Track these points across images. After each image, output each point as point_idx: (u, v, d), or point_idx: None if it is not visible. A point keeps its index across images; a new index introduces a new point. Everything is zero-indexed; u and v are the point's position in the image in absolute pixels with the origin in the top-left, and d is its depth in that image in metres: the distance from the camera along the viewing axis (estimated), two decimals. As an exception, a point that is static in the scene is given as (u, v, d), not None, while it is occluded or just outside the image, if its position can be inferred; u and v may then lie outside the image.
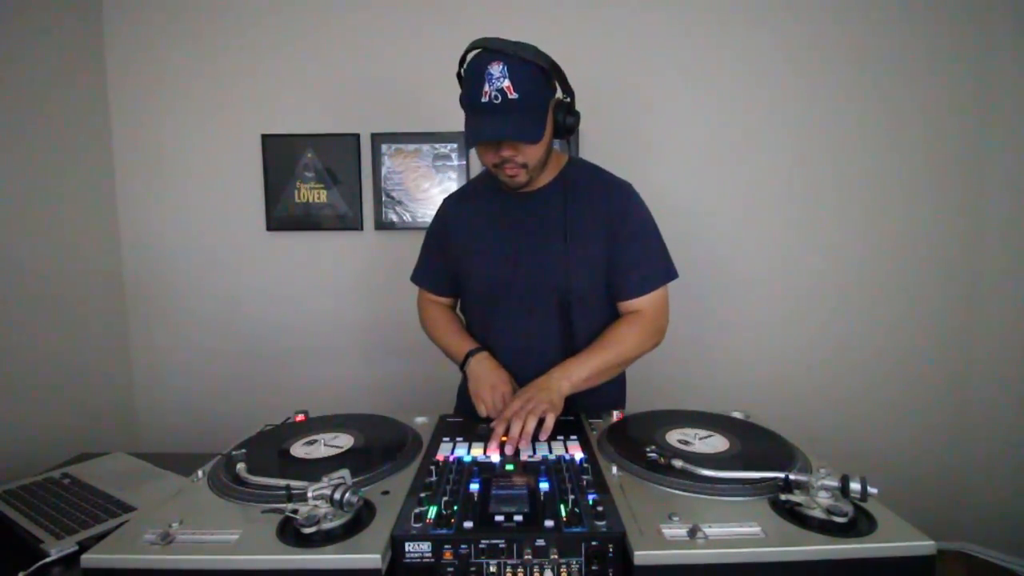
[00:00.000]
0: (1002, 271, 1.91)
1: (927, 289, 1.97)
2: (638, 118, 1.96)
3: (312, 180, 1.98)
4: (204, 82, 1.97)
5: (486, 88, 0.94)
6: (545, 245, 1.10)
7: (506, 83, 0.93)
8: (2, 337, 1.55)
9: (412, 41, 1.94)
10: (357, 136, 1.96)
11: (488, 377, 1.06)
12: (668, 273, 1.14)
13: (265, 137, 1.97)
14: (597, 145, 1.96)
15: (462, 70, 1.02)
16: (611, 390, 1.19)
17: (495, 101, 0.94)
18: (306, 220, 2.00)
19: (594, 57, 1.94)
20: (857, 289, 1.99)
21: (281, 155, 1.97)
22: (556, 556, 0.62)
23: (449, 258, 1.21)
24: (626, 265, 1.11)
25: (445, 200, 1.26)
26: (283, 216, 2.00)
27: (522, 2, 1.92)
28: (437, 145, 1.96)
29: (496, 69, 0.93)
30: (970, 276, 1.95)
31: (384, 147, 1.97)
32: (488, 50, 0.95)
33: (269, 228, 2.01)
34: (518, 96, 0.94)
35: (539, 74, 0.97)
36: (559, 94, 1.05)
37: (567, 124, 1.05)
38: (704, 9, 1.92)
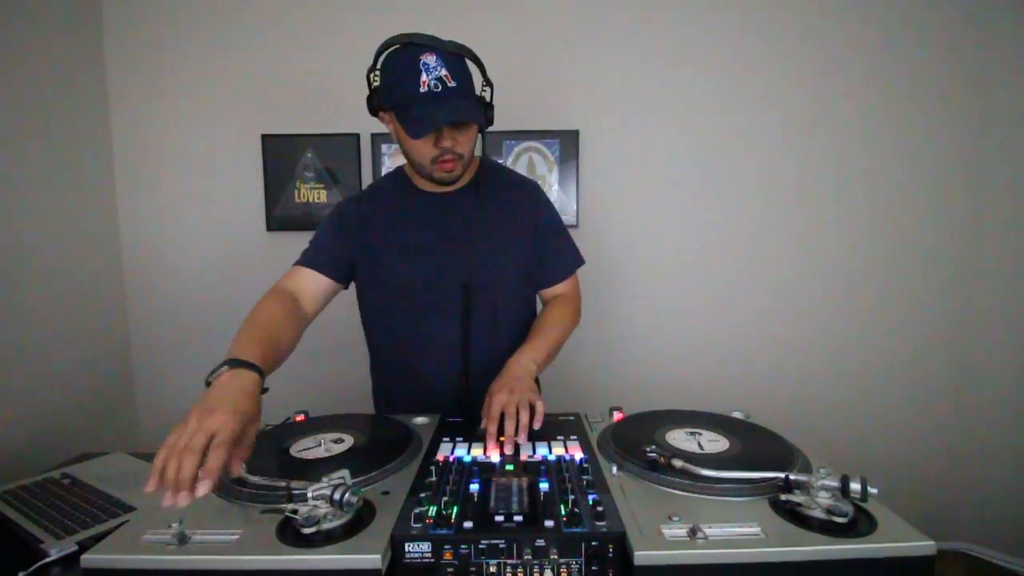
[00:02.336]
0: (1002, 271, 1.91)
1: (927, 289, 1.97)
2: (637, 119, 1.96)
3: (312, 180, 1.98)
4: (204, 82, 1.97)
5: (424, 78, 0.93)
6: (464, 244, 1.12)
7: (443, 72, 0.94)
8: (2, 337, 1.55)
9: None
10: (357, 136, 1.96)
11: (222, 397, 0.72)
12: (579, 259, 1.25)
13: (265, 137, 1.97)
14: (597, 145, 1.97)
15: (377, 70, 1.02)
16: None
17: (435, 90, 0.93)
18: (306, 220, 2.00)
19: (594, 57, 1.94)
20: (857, 289, 1.99)
21: (281, 155, 1.97)
22: (556, 556, 0.62)
23: (353, 252, 1.15)
24: (549, 257, 1.20)
25: (344, 203, 1.19)
26: (283, 216, 2.00)
27: (520, 3, 1.92)
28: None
29: (431, 59, 0.94)
30: (970, 276, 1.95)
31: (384, 147, 1.97)
32: (416, 44, 0.96)
33: (269, 228, 2.01)
34: (457, 84, 0.95)
35: (466, 66, 0.99)
36: (478, 89, 1.06)
37: (488, 117, 1.07)
38: (704, 10, 1.92)
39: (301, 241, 1.99)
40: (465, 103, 0.97)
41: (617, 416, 1.00)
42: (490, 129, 1.99)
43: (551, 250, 1.20)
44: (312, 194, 1.99)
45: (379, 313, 1.19)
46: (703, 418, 0.95)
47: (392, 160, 1.97)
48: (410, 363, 1.16)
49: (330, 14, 1.94)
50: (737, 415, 0.98)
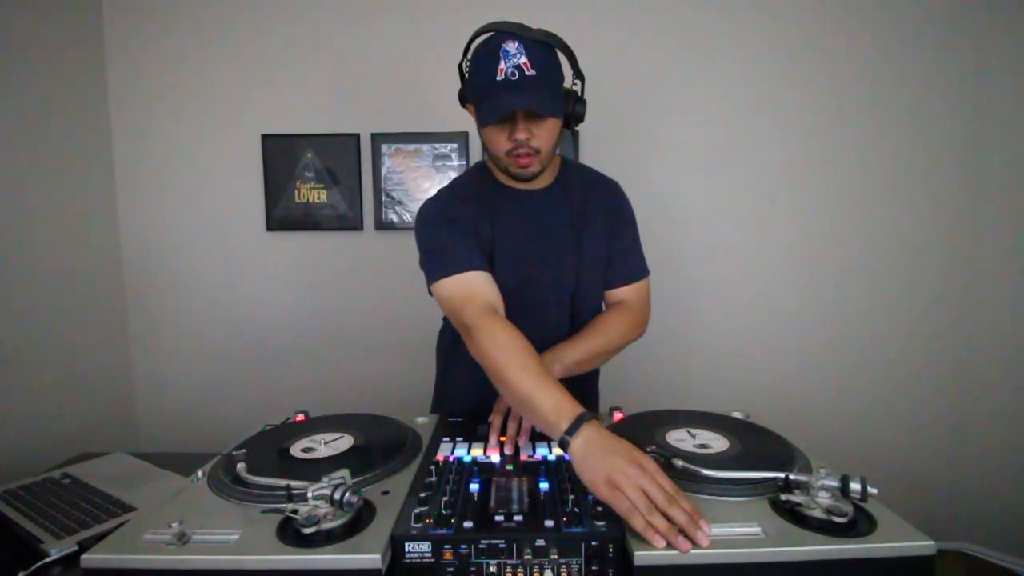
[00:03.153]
0: (1001, 270, 1.91)
1: (926, 289, 1.97)
2: (636, 119, 1.96)
3: (312, 180, 1.98)
4: (204, 82, 1.97)
5: (502, 65, 0.90)
6: (555, 249, 1.08)
7: (523, 59, 0.90)
8: (2, 337, 1.55)
9: (412, 41, 1.94)
10: (357, 136, 1.97)
11: (619, 463, 0.68)
12: (646, 268, 1.20)
13: (265, 137, 1.97)
14: (596, 146, 1.97)
15: (466, 59, 0.98)
16: (585, 389, 1.18)
17: (512, 78, 0.90)
18: (306, 220, 2.00)
19: (593, 58, 1.94)
20: (857, 289, 1.99)
21: (281, 155, 1.97)
22: (556, 556, 0.62)
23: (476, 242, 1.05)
24: (616, 257, 1.14)
25: (439, 202, 1.09)
26: (283, 216, 2.00)
27: (520, 3, 1.92)
28: (437, 145, 1.96)
29: (512, 47, 0.90)
30: (969, 276, 1.95)
31: (384, 147, 1.97)
32: (501, 32, 0.93)
33: (269, 228, 2.01)
34: (536, 73, 0.90)
35: (553, 55, 0.95)
36: (567, 82, 1.01)
37: (577, 112, 1.01)
38: (704, 10, 1.92)
39: (301, 241, 2.02)
40: (540, 92, 0.92)
41: (617, 416, 1.00)
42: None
43: (619, 252, 1.15)
44: (312, 194, 1.99)
45: None
46: (703, 418, 0.95)
47: (392, 160, 1.97)
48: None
49: (330, 14, 1.94)
50: (737, 415, 0.98)
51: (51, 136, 1.73)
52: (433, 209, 1.08)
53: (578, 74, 1.01)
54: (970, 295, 1.96)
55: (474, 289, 0.98)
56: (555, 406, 0.77)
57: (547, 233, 1.08)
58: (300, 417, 1.03)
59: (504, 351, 0.87)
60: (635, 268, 1.17)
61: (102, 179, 1.96)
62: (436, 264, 1.01)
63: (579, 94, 1.02)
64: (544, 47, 0.93)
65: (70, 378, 1.77)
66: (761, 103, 1.94)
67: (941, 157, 1.92)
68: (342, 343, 2.05)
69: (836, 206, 1.97)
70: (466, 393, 1.14)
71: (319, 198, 1.99)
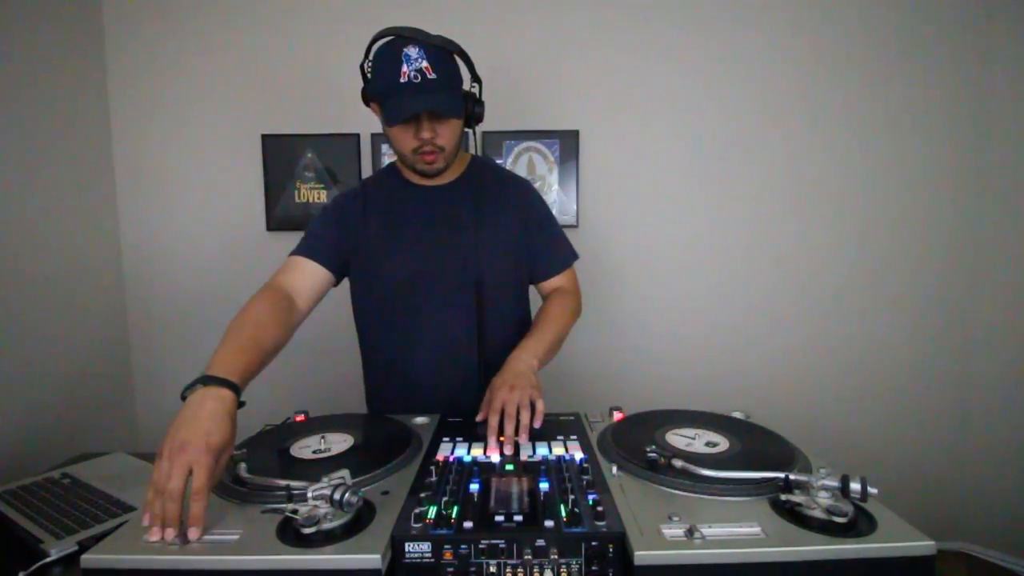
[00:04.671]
0: (1001, 271, 1.91)
1: (928, 290, 1.97)
2: (635, 120, 1.96)
3: (312, 180, 1.98)
4: (204, 82, 1.97)
5: (404, 69, 0.95)
6: (459, 237, 1.13)
7: (424, 64, 0.96)
8: (2, 337, 1.55)
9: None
10: (357, 136, 1.96)
11: (194, 427, 0.73)
12: (574, 253, 1.26)
13: (265, 137, 1.97)
14: (596, 146, 1.97)
15: (367, 60, 1.03)
16: None
17: (415, 80, 0.95)
18: (306, 220, 1.99)
19: (594, 57, 1.94)
20: (857, 289, 1.99)
21: (281, 155, 1.97)
22: (556, 556, 0.62)
23: (349, 245, 1.15)
24: (543, 250, 1.22)
25: (341, 196, 1.20)
26: (283, 216, 2.00)
27: (520, 3, 1.92)
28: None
29: (413, 51, 0.96)
30: (970, 276, 1.95)
31: (384, 147, 1.97)
32: (401, 36, 0.98)
33: (269, 228, 2.01)
34: (436, 76, 0.96)
35: (451, 59, 1.01)
36: (466, 85, 1.06)
37: (476, 113, 1.06)
38: (704, 11, 1.92)
39: (301, 241, 2.01)
40: (443, 95, 0.98)
41: (617, 416, 1.00)
42: (490, 129, 1.99)
43: (544, 244, 1.21)
44: (312, 194, 1.99)
45: (375, 310, 1.19)
46: (703, 418, 0.95)
47: (392, 160, 1.97)
48: (406, 360, 1.16)
49: (330, 14, 1.94)
50: (737, 415, 0.98)
51: (51, 136, 1.73)
52: (328, 204, 1.21)
53: (475, 78, 1.08)
54: (970, 295, 1.96)
55: (285, 271, 1.12)
56: (211, 364, 0.81)
57: (447, 224, 1.14)
58: (300, 417, 1.03)
59: (234, 319, 0.96)
60: (563, 257, 1.24)
61: (102, 179, 1.96)
62: (300, 243, 1.16)
63: (477, 96, 1.07)
64: (442, 52, 0.99)
65: (70, 378, 1.77)
66: (761, 104, 1.94)
67: (941, 157, 1.92)
68: (342, 343, 2.04)
69: (836, 206, 1.97)
70: (389, 394, 1.20)
71: (319, 198, 1.99)
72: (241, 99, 1.97)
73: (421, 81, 0.95)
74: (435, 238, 1.13)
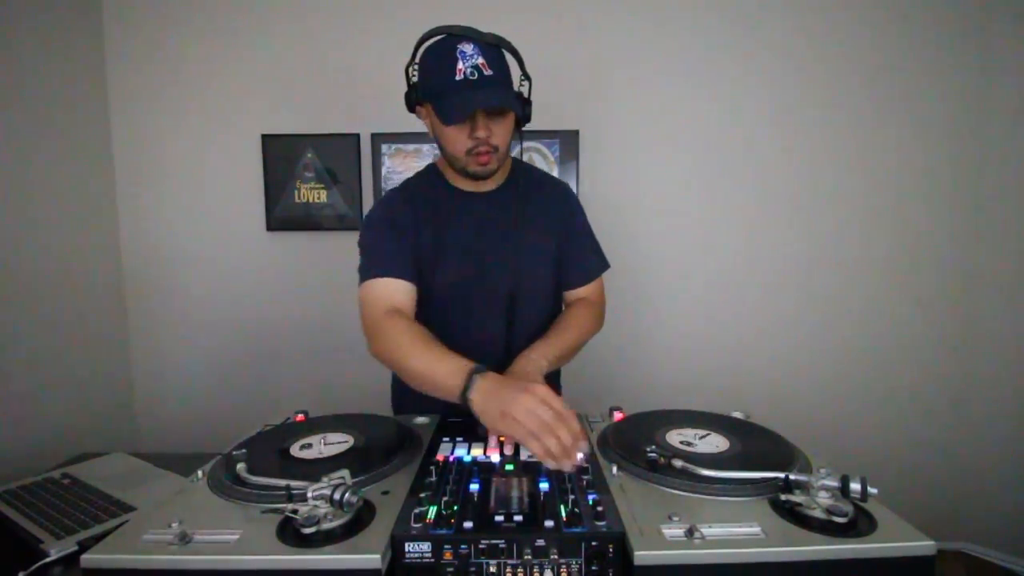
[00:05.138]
0: (1001, 271, 1.91)
1: (927, 290, 1.97)
2: (635, 121, 1.97)
3: (312, 180, 1.98)
4: (204, 82, 1.97)
5: (460, 66, 0.92)
6: (502, 245, 1.11)
7: (480, 60, 0.93)
8: (2, 337, 1.55)
9: (412, 41, 1.94)
10: (357, 136, 1.97)
11: (509, 395, 0.75)
12: (605, 263, 1.24)
13: (265, 137, 1.97)
14: (597, 147, 1.97)
15: (414, 63, 1.01)
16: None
17: (471, 77, 0.92)
18: (306, 220, 2.00)
19: (594, 57, 1.94)
20: (857, 290, 1.99)
21: (281, 155, 1.97)
22: (556, 556, 0.62)
23: (411, 254, 1.09)
24: (574, 259, 1.19)
25: (387, 204, 1.13)
26: (283, 216, 2.00)
27: (522, 4, 1.92)
28: (437, 145, 1.95)
29: (468, 48, 0.93)
30: (969, 276, 1.95)
31: (384, 147, 1.97)
32: (453, 35, 0.95)
33: (269, 228, 2.01)
34: (493, 72, 0.94)
35: (504, 57, 0.99)
36: (515, 84, 1.03)
37: (526, 113, 1.04)
38: (704, 11, 1.92)
39: (301, 241, 2.02)
40: (502, 90, 0.95)
41: (617, 416, 1.00)
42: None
43: (576, 252, 1.19)
44: (312, 194, 1.99)
45: (422, 319, 1.13)
46: (703, 418, 0.95)
47: (392, 160, 1.97)
48: None
49: (330, 14, 1.94)
50: (737, 415, 0.98)
51: (51, 136, 1.73)
52: (377, 212, 1.13)
53: (525, 75, 1.04)
54: (972, 296, 1.96)
55: (381, 293, 1.02)
56: (449, 370, 0.84)
57: (492, 234, 1.11)
58: (300, 417, 1.03)
59: (400, 341, 0.93)
60: (594, 266, 1.22)
61: (102, 179, 1.96)
62: (363, 267, 1.07)
63: (526, 95, 1.05)
64: (496, 49, 0.97)
65: (70, 378, 1.77)
66: (760, 105, 1.94)
67: (941, 158, 1.92)
68: (342, 343, 2.05)
69: (836, 206, 1.97)
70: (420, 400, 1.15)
71: (319, 198, 1.99)
72: (241, 99, 1.97)
73: (478, 78, 0.92)
74: (480, 247, 1.11)
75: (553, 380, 1.27)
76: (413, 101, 1.04)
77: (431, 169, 1.18)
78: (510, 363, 1.09)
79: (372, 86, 1.96)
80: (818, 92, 1.93)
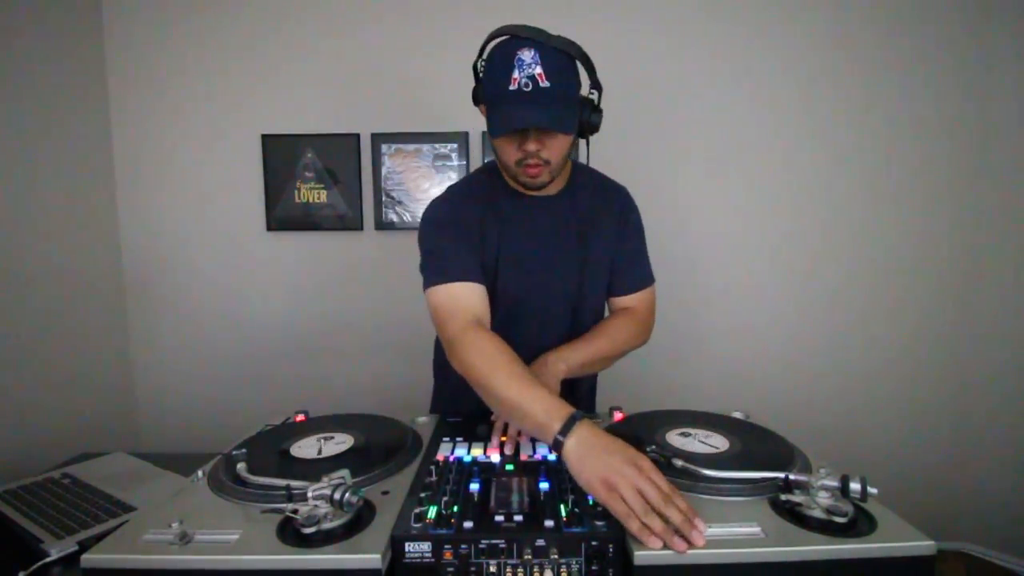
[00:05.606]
0: (1001, 270, 1.91)
1: (926, 289, 1.97)
2: (638, 119, 1.96)
3: (312, 180, 1.98)
4: (204, 82, 1.97)
5: (515, 75, 0.87)
6: (565, 253, 1.07)
7: (538, 70, 0.87)
8: (2, 337, 1.55)
9: (412, 41, 1.94)
10: (357, 136, 1.97)
11: (615, 463, 0.68)
12: (651, 276, 1.19)
13: (265, 137, 1.97)
14: (598, 146, 1.96)
15: (481, 60, 0.96)
16: (581, 394, 1.18)
17: (525, 88, 0.87)
18: (306, 220, 2.00)
19: (593, 58, 1.94)
20: (857, 290, 1.99)
21: (281, 155, 1.97)
22: (556, 556, 0.62)
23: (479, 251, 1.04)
24: (624, 264, 1.14)
25: (450, 203, 1.07)
26: (283, 216, 2.00)
27: (520, 3, 1.92)
28: (437, 145, 1.96)
29: (527, 55, 0.87)
30: (969, 276, 1.95)
31: (384, 147, 1.97)
32: (518, 36, 0.90)
33: (269, 228, 2.01)
34: (550, 84, 0.87)
35: (570, 63, 0.93)
36: (584, 90, 0.99)
37: (592, 122, 0.99)
38: (706, 11, 1.92)
39: (301, 241, 2.02)
40: (552, 107, 0.89)
41: (617, 416, 1.00)
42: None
43: (627, 260, 1.14)
44: (312, 194, 1.99)
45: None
46: (703, 418, 0.95)
47: (392, 160, 1.97)
48: None
49: (331, 14, 1.94)
50: (737, 415, 0.98)
51: (51, 136, 1.73)
52: (443, 210, 1.06)
53: (595, 84, 1.00)
54: (970, 295, 1.96)
55: (463, 302, 0.96)
56: (546, 408, 0.76)
57: (553, 241, 1.07)
58: (300, 417, 1.03)
59: (489, 360, 0.87)
60: (642, 276, 1.17)
61: (102, 179, 1.96)
62: (433, 270, 1.00)
63: (596, 103, 0.99)
64: (562, 55, 0.90)
65: (70, 378, 1.77)
66: (761, 105, 1.94)
67: (941, 157, 1.92)
68: (342, 343, 2.05)
69: (836, 206, 1.97)
70: (463, 402, 1.11)
71: (319, 198, 1.99)
72: (241, 99, 1.97)
73: (532, 90, 0.87)
74: (544, 254, 1.06)
75: (588, 386, 1.24)
76: (477, 99, 1.00)
77: (491, 167, 1.11)
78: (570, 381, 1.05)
79: (372, 86, 1.96)
80: (819, 92, 1.92)
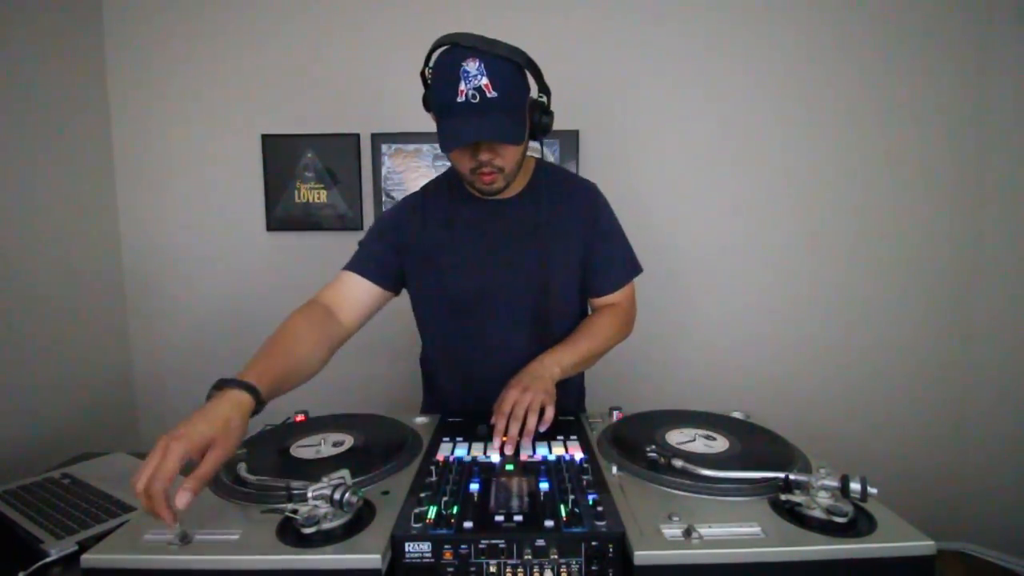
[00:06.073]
0: (1000, 270, 1.91)
1: (926, 289, 1.97)
2: (636, 118, 1.96)
3: (312, 180, 1.98)
4: (204, 82, 1.97)
5: (462, 87, 0.87)
6: (525, 253, 1.08)
7: (484, 81, 0.87)
8: (2, 337, 1.55)
9: (412, 41, 1.93)
10: (357, 136, 1.97)
11: (189, 425, 0.67)
12: (636, 268, 1.19)
13: (265, 137, 1.97)
14: (597, 145, 1.97)
15: (428, 68, 0.96)
16: (570, 393, 1.20)
17: (472, 100, 0.88)
18: (306, 220, 2.00)
19: (594, 57, 1.94)
20: (857, 289, 1.99)
21: (281, 155, 1.97)
22: (556, 556, 0.62)
23: (404, 259, 1.11)
24: (602, 263, 1.14)
25: (398, 207, 1.15)
26: (283, 216, 2.00)
27: (520, 3, 1.92)
28: (437, 145, 1.95)
29: (472, 66, 0.87)
30: (969, 276, 1.95)
31: (384, 147, 1.97)
32: (461, 46, 0.89)
33: (269, 228, 2.01)
34: (497, 95, 0.88)
35: (516, 71, 0.93)
36: (533, 93, 1.00)
37: (543, 124, 1.01)
38: (704, 11, 1.92)
39: (301, 241, 2.02)
40: (500, 118, 0.90)
41: (617, 416, 1.00)
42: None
43: (603, 257, 1.14)
44: (312, 194, 1.99)
45: (437, 320, 1.15)
46: (703, 418, 0.95)
47: (392, 160, 1.97)
48: (467, 369, 1.14)
49: (330, 14, 1.94)
50: (737, 415, 0.98)
51: (51, 136, 1.73)
52: (388, 215, 1.16)
53: (543, 88, 1.00)
54: (972, 295, 1.96)
55: (336, 287, 1.09)
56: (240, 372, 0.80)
57: (508, 242, 1.09)
58: (300, 417, 1.03)
59: (275, 331, 0.96)
60: (624, 272, 1.17)
61: (102, 179, 1.96)
62: (352, 257, 1.12)
63: (546, 105, 1.01)
64: (507, 63, 0.90)
65: (70, 378, 1.77)
66: (760, 104, 1.94)
67: (941, 156, 1.92)
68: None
69: (836, 206, 1.97)
70: (450, 398, 1.18)
71: (319, 198, 1.99)
72: (241, 99, 1.97)
73: (480, 101, 0.87)
74: (500, 254, 1.08)
75: (576, 385, 1.25)
76: (428, 106, 1.01)
77: (452, 174, 1.14)
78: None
79: (372, 86, 1.96)
80: (818, 92, 1.92)
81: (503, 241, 1.09)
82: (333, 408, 1.07)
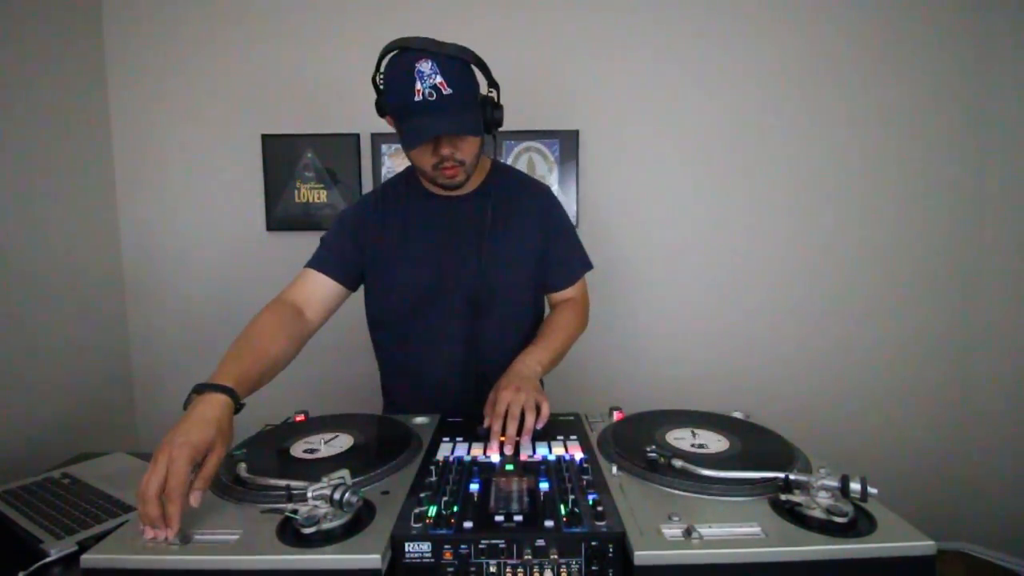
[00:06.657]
0: (1001, 270, 1.91)
1: (926, 289, 1.97)
2: (637, 119, 1.97)
3: (312, 180, 1.98)
4: (204, 82, 1.97)
5: (418, 86, 0.91)
6: (477, 248, 1.11)
7: (439, 79, 0.92)
8: (2, 337, 1.55)
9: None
10: (357, 136, 1.97)
11: (175, 431, 0.72)
12: (588, 264, 1.24)
13: (265, 137, 1.97)
14: (597, 145, 1.97)
15: (379, 74, 1.00)
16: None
17: (430, 98, 0.92)
18: (306, 220, 2.00)
19: (594, 58, 1.94)
20: (857, 289, 1.99)
21: (281, 155, 1.97)
22: (556, 556, 0.62)
23: (363, 256, 1.14)
24: (558, 260, 1.20)
25: (357, 205, 1.20)
26: (283, 216, 2.00)
27: (521, 3, 1.92)
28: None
29: (426, 67, 0.91)
30: (969, 275, 1.95)
31: (384, 147, 1.97)
32: (412, 49, 0.93)
33: (269, 228, 2.01)
34: (452, 91, 0.92)
35: (466, 69, 0.97)
36: (483, 89, 1.04)
37: (495, 118, 1.04)
38: (703, 11, 1.92)
39: (301, 241, 2.01)
40: (460, 113, 0.95)
41: (617, 416, 1.00)
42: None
43: (559, 254, 1.19)
44: (312, 194, 1.99)
45: (386, 317, 1.18)
46: (703, 418, 0.95)
47: (392, 160, 1.97)
48: (417, 367, 1.17)
49: (330, 14, 1.94)
50: (737, 415, 0.98)
51: (51, 136, 1.73)
52: (348, 212, 1.19)
53: (492, 83, 1.04)
54: (971, 296, 1.96)
55: (301, 285, 1.11)
56: (214, 374, 0.85)
57: (454, 239, 1.12)
58: (300, 417, 1.03)
59: (259, 322, 1.00)
60: (577, 267, 1.22)
61: (102, 179, 1.96)
62: (313, 254, 1.15)
63: (496, 100, 1.04)
64: (457, 62, 0.94)
65: (70, 378, 1.77)
66: (761, 104, 1.94)
67: (942, 157, 1.92)
68: (342, 343, 2.04)
69: (836, 206, 1.97)
70: (408, 390, 1.22)
71: (319, 198, 1.99)
72: (241, 99, 1.97)
73: (437, 99, 0.92)
74: (453, 249, 1.12)
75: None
76: (382, 111, 1.05)
77: (408, 173, 1.18)
78: (475, 366, 1.13)
79: (372, 86, 1.95)
80: (818, 92, 1.93)
81: (455, 237, 1.12)
82: (333, 408, 1.07)
